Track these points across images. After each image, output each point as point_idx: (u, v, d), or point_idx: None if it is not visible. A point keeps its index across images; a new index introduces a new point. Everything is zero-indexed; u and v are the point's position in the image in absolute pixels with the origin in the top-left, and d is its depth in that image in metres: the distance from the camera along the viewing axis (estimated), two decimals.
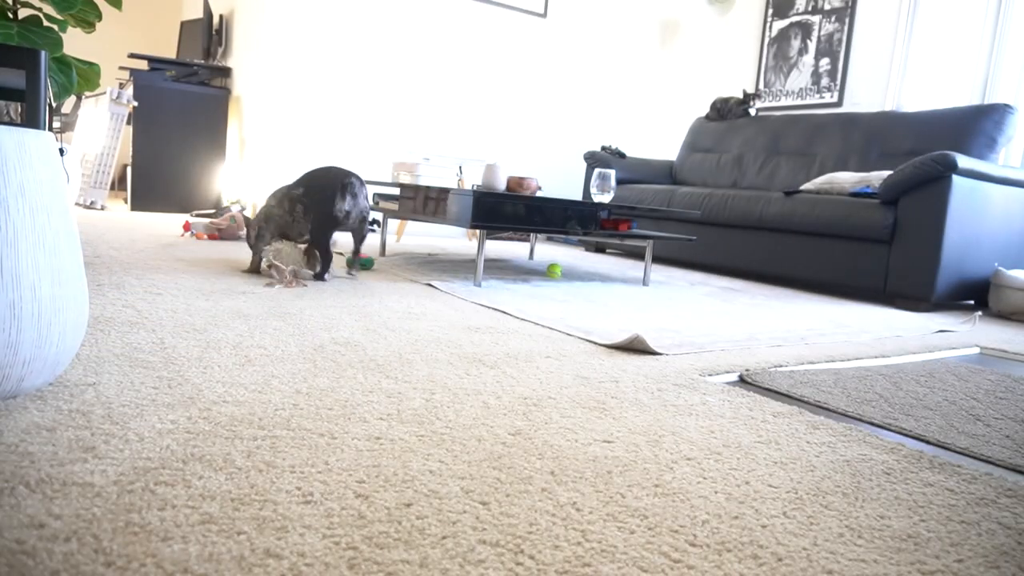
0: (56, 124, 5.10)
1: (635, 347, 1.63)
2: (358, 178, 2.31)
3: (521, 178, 2.94)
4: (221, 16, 4.84)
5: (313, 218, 2.22)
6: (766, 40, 4.87)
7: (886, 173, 3.27)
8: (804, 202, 3.29)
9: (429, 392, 1.15)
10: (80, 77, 1.45)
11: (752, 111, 4.63)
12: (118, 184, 5.80)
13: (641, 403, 1.20)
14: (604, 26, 5.42)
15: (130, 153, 4.47)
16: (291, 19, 4.11)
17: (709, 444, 1.02)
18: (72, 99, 5.19)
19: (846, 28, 4.38)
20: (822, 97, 4.52)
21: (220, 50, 4.87)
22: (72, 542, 0.61)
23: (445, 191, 2.67)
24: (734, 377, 1.48)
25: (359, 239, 2.39)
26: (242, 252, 2.87)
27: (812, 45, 4.58)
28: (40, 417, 0.89)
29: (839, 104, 4.43)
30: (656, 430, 1.07)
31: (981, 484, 0.95)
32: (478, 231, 2.90)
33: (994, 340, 2.27)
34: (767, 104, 4.85)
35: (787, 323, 2.23)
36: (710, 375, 1.46)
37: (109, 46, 5.90)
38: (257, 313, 1.66)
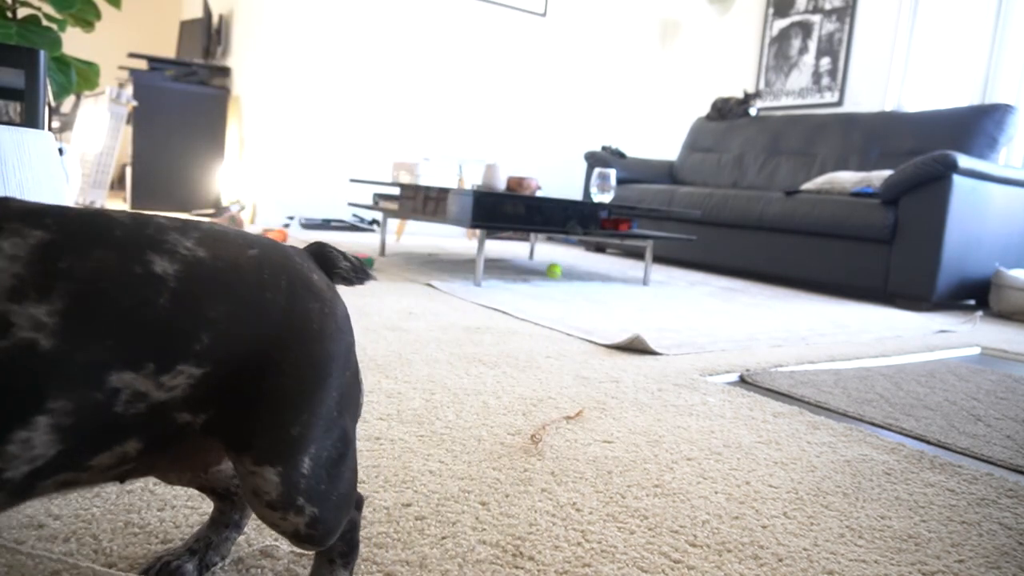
0: (55, 124, 5.10)
1: (635, 347, 1.63)
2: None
3: (521, 178, 2.94)
4: (220, 16, 4.84)
5: None
6: (766, 40, 4.86)
7: (887, 173, 3.26)
8: (804, 202, 3.29)
9: (429, 392, 1.15)
10: (79, 77, 1.44)
11: (752, 111, 4.62)
12: (117, 184, 5.80)
13: (641, 403, 1.20)
14: (604, 26, 5.42)
15: (129, 153, 4.47)
16: (291, 19, 4.11)
17: (709, 444, 1.02)
18: (71, 99, 5.19)
19: (847, 28, 4.38)
20: (823, 97, 4.52)
21: (219, 50, 4.86)
22: (71, 542, 0.61)
23: (445, 191, 2.67)
24: (734, 377, 1.47)
25: None
26: None
27: (813, 45, 4.57)
28: None
29: (840, 104, 4.43)
30: (656, 430, 1.06)
31: (982, 484, 0.95)
32: (478, 231, 2.90)
33: (995, 340, 2.27)
34: (767, 104, 4.85)
35: (787, 323, 2.23)
36: (710, 375, 1.46)
37: (108, 46, 5.90)
38: None
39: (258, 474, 0.44)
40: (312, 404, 0.45)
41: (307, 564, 0.61)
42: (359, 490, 0.56)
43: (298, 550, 0.63)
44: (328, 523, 0.47)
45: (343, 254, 0.54)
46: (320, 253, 0.52)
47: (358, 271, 0.54)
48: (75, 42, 5.59)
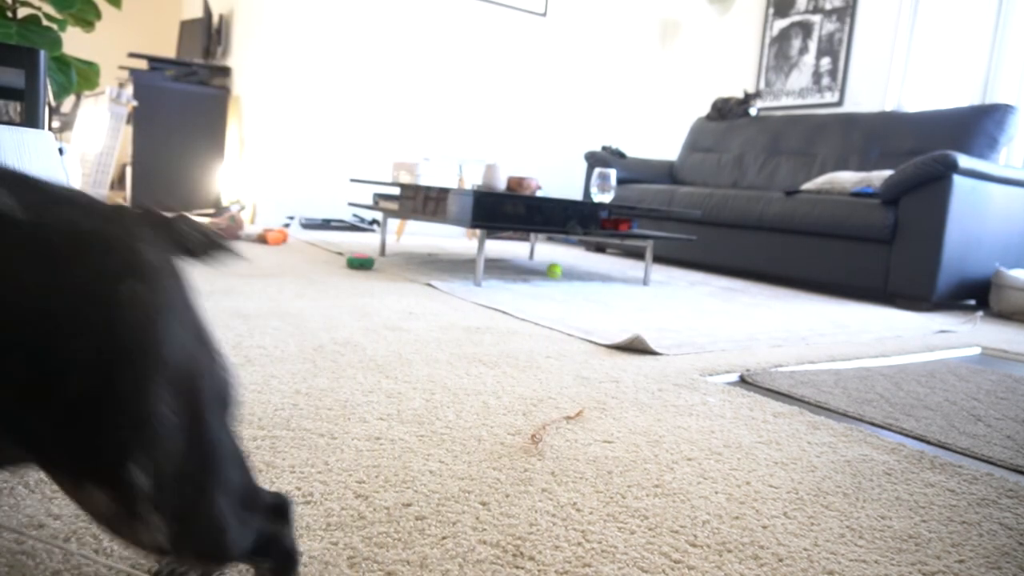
0: (55, 123, 5.09)
1: (635, 347, 1.63)
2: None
3: (521, 178, 2.94)
4: (221, 16, 4.84)
5: None
6: (767, 40, 4.86)
7: (887, 173, 3.26)
8: (805, 202, 3.29)
9: (429, 392, 1.15)
10: (79, 76, 1.45)
11: (753, 111, 4.62)
12: (117, 184, 5.80)
13: (641, 403, 1.20)
14: (604, 26, 5.42)
15: (129, 152, 4.47)
16: (291, 19, 4.11)
17: (709, 444, 1.02)
18: (72, 98, 5.19)
19: (847, 28, 4.38)
20: (823, 97, 4.52)
21: (220, 50, 4.86)
22: (72, 542, 0.61)
23: (445, 191, 2.67)
24: (734, 377, 1.47)
25: None
26: (241, 251, 2.86)
27: (813, 45, 4.57)
28: None
29: (840, 104, 4.43)
30: (656, 430, 1.06)
31: (982, 485, 0.95)
32: (478, 231, 2.90)
33: (995, 340, 2.27)
34: (768, 104, 4.85)
35: (787, 323, 2.23)
36: (710, 375, 1.46)
37: (108, 46, 5.90)
38: (257, 313, 1.66)
39: (86, 490, 0.37)
40: (134, 404, 0.37)
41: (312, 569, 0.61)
42: (284, 494, 0.51)
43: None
44: (204, 536, 0.41)
45: (195, 224, 0.45)
46: (167, 226, 0.43)
47: (211, 243, 0.45)
48: (75, 42, 5.59)
